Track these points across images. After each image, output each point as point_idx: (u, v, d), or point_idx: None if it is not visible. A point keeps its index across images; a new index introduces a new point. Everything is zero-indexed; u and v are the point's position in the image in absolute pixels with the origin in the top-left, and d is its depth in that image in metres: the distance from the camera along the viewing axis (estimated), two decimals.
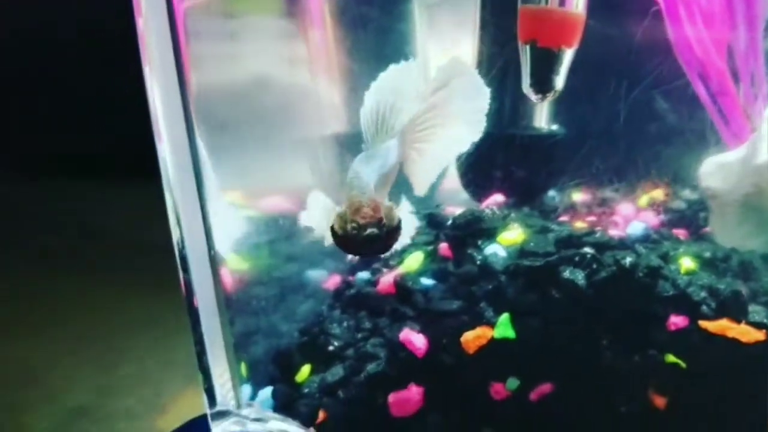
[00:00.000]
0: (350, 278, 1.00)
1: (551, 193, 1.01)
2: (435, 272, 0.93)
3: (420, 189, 0.83)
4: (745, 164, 0.89)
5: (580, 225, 0.95)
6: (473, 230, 0.93)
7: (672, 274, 0.85)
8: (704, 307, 0.83)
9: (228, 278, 0.91)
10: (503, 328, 0.85)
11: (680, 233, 0.96)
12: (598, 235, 0.89)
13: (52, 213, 2.15)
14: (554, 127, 1.02)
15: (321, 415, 0.89)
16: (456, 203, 1.04)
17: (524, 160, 1.00)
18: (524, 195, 1.01)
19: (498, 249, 0.91)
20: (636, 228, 0.94)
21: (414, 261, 0.95)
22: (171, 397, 1.20)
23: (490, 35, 0.98)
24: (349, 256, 0.99)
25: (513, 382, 0.86)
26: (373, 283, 0.96)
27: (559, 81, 0.83)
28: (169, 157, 0.83)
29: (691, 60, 0.91)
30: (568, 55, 0.82)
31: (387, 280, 0.94)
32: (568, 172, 0.96)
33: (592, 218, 0.98)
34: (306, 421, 0.90)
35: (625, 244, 0.88)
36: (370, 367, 0.89)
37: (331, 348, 0.93)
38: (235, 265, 0.93)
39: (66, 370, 1.29)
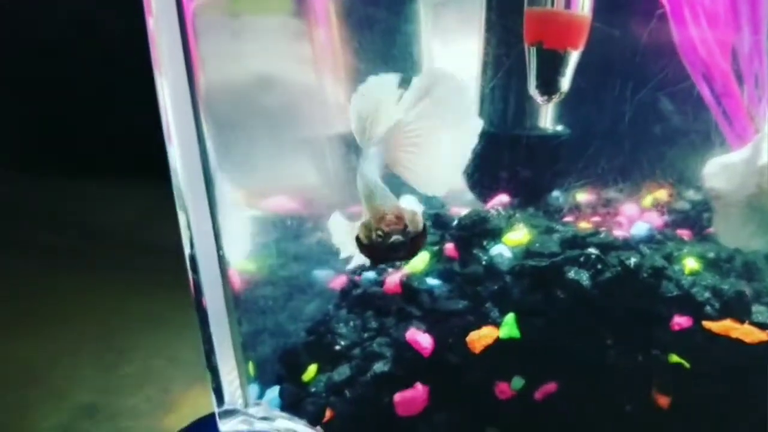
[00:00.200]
0: (357, 278, 1.01)
1: (556, 193, 1.01)
2: (441, 272, 0.94)
3: (425, 188, 0.84)
4: (748, 165, 0.90)
5: (584, 225, 0.96)
6: (479, 231, 0.94)
7: (676, 275, 0.85)
8: (708, 308, 0.84)
9: (236, 278, 0.92)
10: (508, 327, 0.86)
11: (684, 234, 0.96)
12: (602, 235, 0.89)
13: (54, 213, 2.15)
14: (559, 128, 1.03)
15: (328, 413, 0.90)
16: (461, 204, 1.04)
17: (529, 161, 1.00)
18: (529, 195, 1.02)
19: (503, 249, 0.91)
20: (640, 228, 0.94)
21: (420, 261, 0.95)
22: (176, 396, 1.20)
23: (496, 37, 0.99)
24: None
25: (518, 382, 0.87)
26: (380, 283, 0.97)
27: (565, 82, 0.84)
28: (178, 158, 0.84)
29: (696, 62, 0.91)
30: (573, 57, 0.82)
31: (393, 280, 0.95)
32: (573, 172, 0.96)
33: (596, 219, 0.98)
34: (313, 419, 0.90)
35: (629, 245, 0.88)
36: (377, 367, 0.90)
37: (337, 347, 0.94)
38: (243, 265, 0.94)
39: (69, 370, 1.29)
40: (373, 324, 0.94)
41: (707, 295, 0.84)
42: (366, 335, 0.94)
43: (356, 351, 0.93)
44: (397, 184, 0.80)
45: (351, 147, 0.86)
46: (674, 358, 0.84)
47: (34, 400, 1.20)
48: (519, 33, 0.84)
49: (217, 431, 0.92)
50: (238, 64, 0.93)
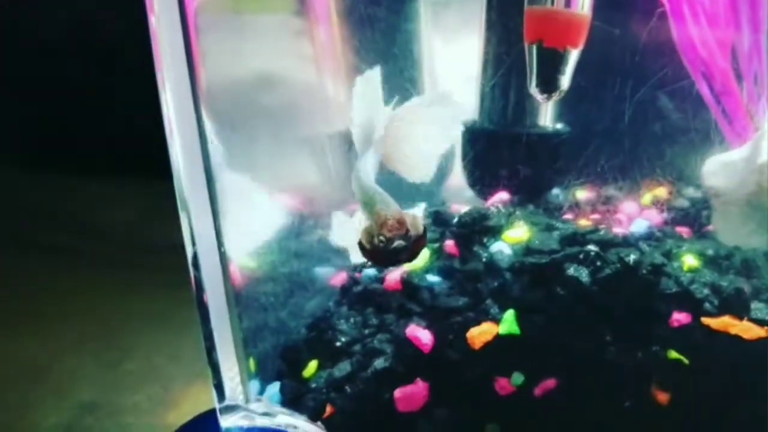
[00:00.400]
0: (357, 275, 1.01)
1: (556, 191, 1.02)
2: (441, 269, 0.94)
3: (414, 176, 0.88)
4: (748, 163, 0.90)
5: (584, 223, 0.96)
6: (479, 228, 0.94)
7: (675, 272, 0.86)
8: (707, 304, 0.84)
9: (237, 275, 0.92)
10: (508, 324, 0.86)
11: (683, 231, 0.97)
12: (602, 232, 0.90)
13: (54, 212, 2.16)
14: (559, 126, 1.03)
15: (328, 409, 0.90)
16: (461, 201, 1.05)
17: (529, 159, 1.01)
18: (529, 193, 1.02)
19: (503, 246, 0.92)
20: (639, 226, 0.95)
21: (420, 258, 0.95)
22: (177, 393, 1.20)
23: (497, 35, 0.99)
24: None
25: (518, 378, 0.87)
26: (380, 279, 0.97)
27: (565, 81, 0.84)
28: (180, 155, 0.84)
29: (695, 60, 0.92)
30: (573, 56, 0.83)
31: (394, 276, 0.95)
32: (573, 170, 0.97)
33: (596, 216, 0.98)
34: (313, 415, 0.91)
35: (628, 242, 0.89)
36: (377, 363, 0.90)
37: (338, 344, 0.94)
38: (244, 262, 0.94)
39: (70, 368, 1.30)
40: (374, 320, 0.95)
41: (706, 291, 0.85)
42: (366, 331, 0.94)
43: (357, 347, 0.93)
44: (395, 189, 0.81)
45: (352, 145, 0.87)
46: (673, 354, 0.84)
47: (35, 398, 1.20)
48: (519, 32, 0.84)
49: (218, 427, 0.92)
50: (239, 61, 0.93)
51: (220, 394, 0.92)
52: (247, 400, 0.93)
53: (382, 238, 0.70)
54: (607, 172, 0.96)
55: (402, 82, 0.94)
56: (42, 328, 1.43)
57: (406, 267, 0.96)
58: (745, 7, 0.90)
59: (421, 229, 0.72)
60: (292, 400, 0.93)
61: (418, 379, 0.89)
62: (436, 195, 1.05)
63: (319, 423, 0.90)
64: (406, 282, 0.94)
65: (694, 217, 0.98)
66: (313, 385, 0.93)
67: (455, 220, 0.97)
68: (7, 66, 2.30)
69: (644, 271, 0.85)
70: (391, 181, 0.86)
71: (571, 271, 0.86)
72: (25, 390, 1.22)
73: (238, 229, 0.92)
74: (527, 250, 0.90)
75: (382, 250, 0.71)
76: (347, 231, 0.83)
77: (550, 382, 0.87)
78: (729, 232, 0.93)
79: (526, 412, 0.88)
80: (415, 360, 0.89)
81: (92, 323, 1.46)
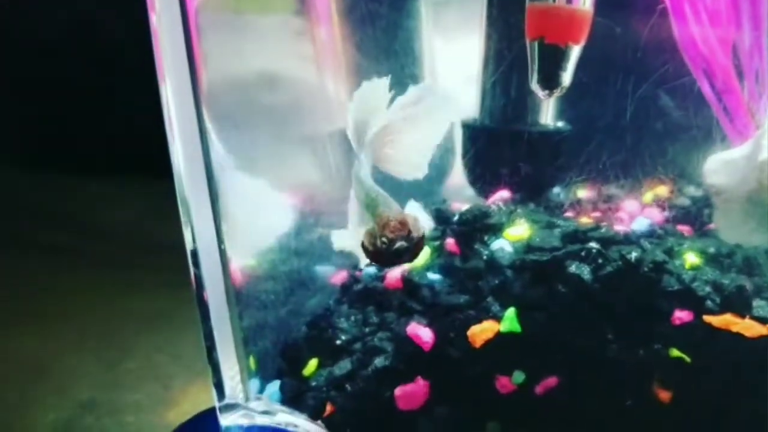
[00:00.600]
0: (357, 273, 1.01)
1: (557, 189, 1.02)
2: (442, 267, 0.94)
3: (405, 174, 0.87)
4: (749, 161, 0.90)
5: (585, 221, 0.96)
6: (480, 226, 0.94)
7: (677, 269, 0.86)
8: (709, 302, 0.84)
9: (237, 273, 0.92)
10: (509, 322, 0.86)
11: (685, 230, 0.97)
12: (603, 230, 0.89)
13: (54, 212, 2.16)
14: (560, 123, 1.03)
15: (328, 408, 0.90)
16: (462, 199, 1.04)
17: (530, 157, 1.01)
18: (530, 191, 1.02)
19: (504, 244, 0.91)
20: (641, 224, 0.94)
21: (421, 256, 0.95)
22: (177, 392, 1.20)
23: (498, 32, 0.99)
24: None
25: (519, 376, 0.87)
26: (381, 277, 0.97)
27: (567, 77, 0.84)
28: (180, 153, 0.84)
29: (696, 57, 0.91)
30: (575, 52, 0.83)
31: (394, 275, 0.95)
32: (575, 168, 0.96)
33: (597, 214, 0.98)
34: (313, 414, 0.90)
35: (630, 240, 0.89)
36: (378, 361, 0.90)
37: (338, 342, 0.94)
38: (244, 260, 0.94)
39: (71, 366, 1.30)
40: (374, 319, 0.95)
41: (708, 289, 0.84)
42: (367, 330, 0.94)
43: (357, 345, 0.93)
44: (396, 191, 0.81)
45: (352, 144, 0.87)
46: (675, 352, 0.84)
47: (35, 396, 1.20)
48: (520, 28, 0.84)
49: (218, 425, 0.92)
50: (240, 60, 0.93)
51: (220, 392, 0.91)
52: (247, 399, 0.93)
53: (384, 239, 0.72)
54: (608, 169, 0.95)
55: (403, 78, 0.94)
56: (42, 327, 1.43)
57: (407, 265, 0.95)
58: (746, 5, 0.90)
59: (421, 231, 0.74)
60: (292, 399, 0.93)
61: (419, 377, 0.88)
62: (437, 193, 1.04)
63: (319, 422, 0.90)
64: (407, 280, 0.94)
65: (696, 216, 0.98)
66: (314, 384, 0.92)
67: (456, 218, 0.97)
68: (7, 66, 2.31)
69: (646, 269, 0.84)
70: (391, 181, 0.86)
71: (573, 268, 0.85)
72: (25, 388, 1.22)
73: (239, 228, 0.92)
74: (528, 247, 0.90)
75: (384, 252, 0.72)
76: (347, 241, 0.85)
77: (551, 380, 0.87)
78: (730, 230, 0.93)
79: (527, 411, 0.88)
80: (416, 358, 0.89)
81: (92, 323, 1.46)
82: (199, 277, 0.88)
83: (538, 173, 1.01)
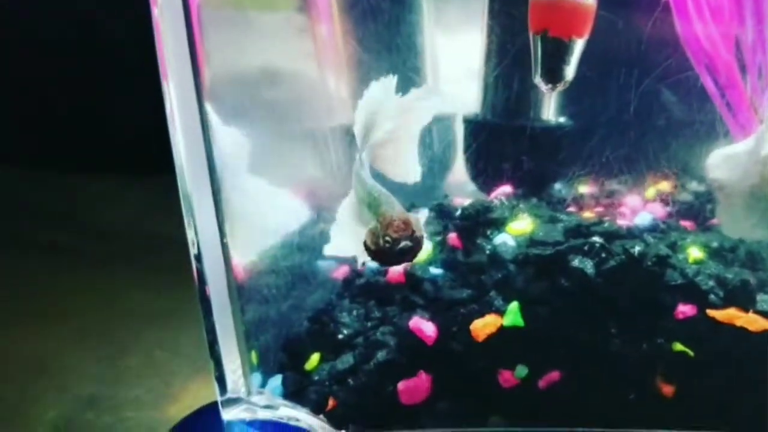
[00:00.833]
0: (360, 268, 1.01)
1: (559, 184, 1.02)
2: (444, 261, 0.94)
3: (401, 177, 0.88)
4: (752, 156, 0.90)
5: (588, 215, 0.96)
6: (482, 220, 0.94)
7: (680, 264, 0.86)
8: (712, 296, 0.84)
9: (239, 268, 0.92)
10: (512, 316, 0.86)
11: (688, 225, 0.97)
12: (606, 224, 0.89)
13: (54, 210, 2.15)
14: (563, 118, 1.03)
15: (331, 402, 0.90)
16: (464, 194, 1.04)
17: (533, 151, 1.01)
18: (533, 186, 1.02)
19: (507, 238, 0.91)
20: (644, 219, 0.94)
21: (424, 251, 0.95)
22: (178, 388, 1.20)
23: (500, 25, 0.99)
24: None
25: (522, 370, 0.87)
26: (383, 272, 0.97)
27: (570, 71, 0.84)
28: (183, 148, 0.84)
29: (699, 52, 0.91)
30: (578, 46, 0.82)
31: (397, 269, 0.95)
32: (577, 163, 0.96)
33: (599, 209, 0.98)
34: (316, 408, 0.90)
35: (633, 234, 0.89)
36: (380, 355, 0.89)
37: (340, 336, 0.94)
38: (246, 255, 0.94)
39: (71, 363, 1.29)
40: (377, 313, 0.94)
41: (711, 283, 0.84)
42: (369, 324, 0.94)
43: (359, 340, 0.93)
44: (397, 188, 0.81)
45: (354, 138, 0.87)
46: (678, 346, 0.84)
47: (36, 392, 1.19)
48: (523, 21, 0.84)
49: (220, 420, 0.92)
50: (242, 55, 0.93)
51: (222, 386, 0.91)
52: (249, 393, 0.93)
53: (388, 239, 0.72)
54: (611, 164, 0.95)
55: (405, 73, 0.94)
56: (42, 327, 1.43)
57: None
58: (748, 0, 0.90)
59: (421, 231, 0.74)
60: (294, 393, 0.93)
61: (422, 371, 0.88)
62: (438, 188, 1.04)
63: (321, 416, 0.90)
64: (410, 274, 0.94)
65: (699, 210, 0.98)
66: (316, 378, 0.92)
67: (458, 212, 0.97)
68: (7, 66, 2.30)
69: (649, 263, 0.84)
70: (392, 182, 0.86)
71: (576, 262, 0.85)
72: (26, 386, 1.22)
73: (241, 223, 0.92)
74: (531, 241, 0.90)
75: (387, 251, 0.72)
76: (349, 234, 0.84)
77: (554, 375, 0.87)
78: (733, 224, 0.93)
79: (530, 405, 0.88)
80: (419, 352, 0.88)
81: (92, 321, 1.46)
82: (201, 272, 0.88)
83: (541, 168, 1.01)
